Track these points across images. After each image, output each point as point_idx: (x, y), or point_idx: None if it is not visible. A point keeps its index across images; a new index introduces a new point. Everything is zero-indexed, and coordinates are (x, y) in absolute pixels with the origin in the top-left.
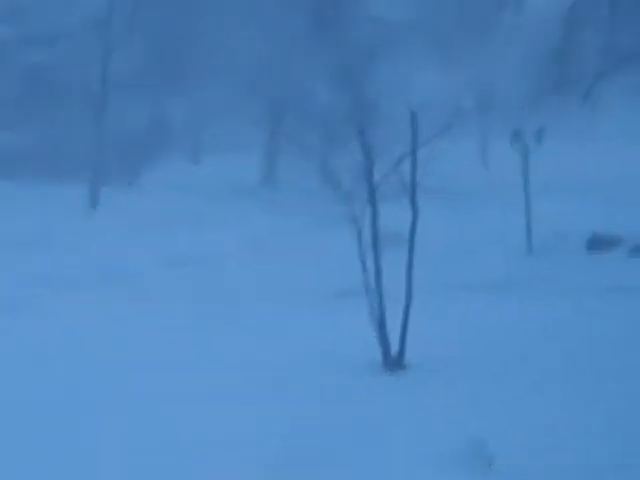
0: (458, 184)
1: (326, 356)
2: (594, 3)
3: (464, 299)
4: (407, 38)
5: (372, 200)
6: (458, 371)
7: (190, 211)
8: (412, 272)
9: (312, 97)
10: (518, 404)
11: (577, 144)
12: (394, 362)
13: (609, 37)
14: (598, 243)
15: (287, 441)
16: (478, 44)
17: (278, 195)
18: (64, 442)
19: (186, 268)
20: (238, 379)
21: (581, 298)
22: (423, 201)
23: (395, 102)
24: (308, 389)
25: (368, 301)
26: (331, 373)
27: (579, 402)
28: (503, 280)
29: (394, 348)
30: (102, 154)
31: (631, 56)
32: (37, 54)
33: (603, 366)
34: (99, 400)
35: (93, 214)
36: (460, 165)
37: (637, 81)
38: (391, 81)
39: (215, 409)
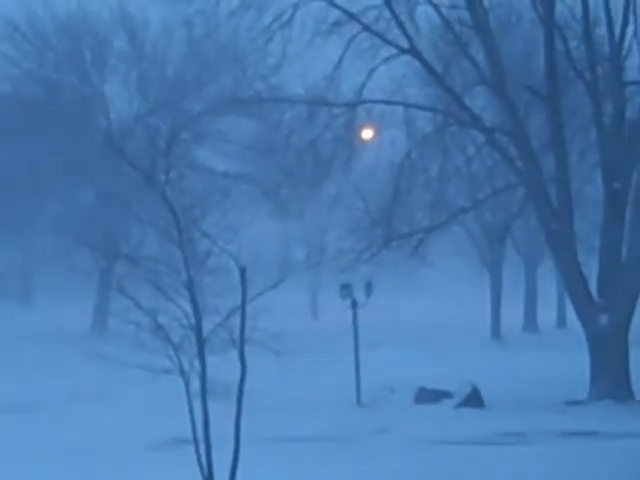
0: (288, 336)
1: None
2: (424, 160)
3: (294, 452)
4: (238, 190)
5: (201, 353)
6: None
7: (16, 356)
8: (240, 424)
9: (141, 248)
10: None
11: (406, 297)
12: None
13: (438, 193)
14: (426, 396)
15: None
16: (309, 197)
17: (107, 344)
18: None
19: (12, 416)
20: None
21: (410, 452)
22: (252, 354)
23: (225, 255)
24: None
25: (196, 451)
26: None
27: None
28: (333, 433)
29: None
30: None
31: (459, 211)
32: None
33: None
34: None
35: None
36: (290, 317)
37: (464, 234)
38: (221, 233)
39: None
